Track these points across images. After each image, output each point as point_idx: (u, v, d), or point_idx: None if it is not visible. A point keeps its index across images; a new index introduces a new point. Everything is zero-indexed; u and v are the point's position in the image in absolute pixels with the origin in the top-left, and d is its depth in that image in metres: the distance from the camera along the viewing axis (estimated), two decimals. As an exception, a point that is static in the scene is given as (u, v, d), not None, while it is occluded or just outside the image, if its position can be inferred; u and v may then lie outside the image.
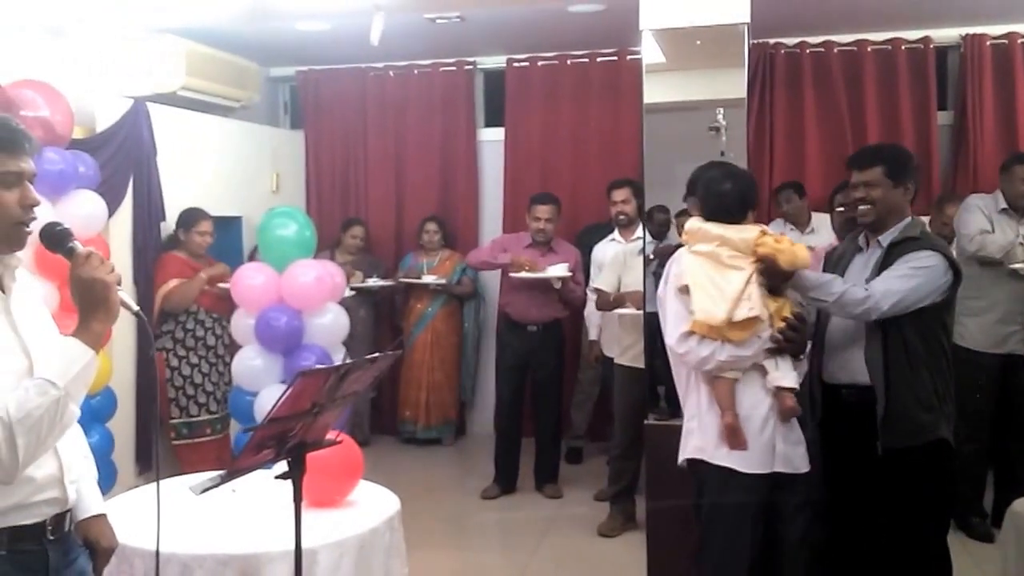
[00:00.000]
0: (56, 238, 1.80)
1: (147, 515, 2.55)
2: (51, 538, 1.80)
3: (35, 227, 1.82)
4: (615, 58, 6.28)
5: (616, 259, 4.67)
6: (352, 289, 5.40)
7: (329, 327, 4.59)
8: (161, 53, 5.35)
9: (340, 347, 4.68)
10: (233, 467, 2.08)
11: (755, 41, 5.12)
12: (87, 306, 1.73)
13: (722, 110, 3.66)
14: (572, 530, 4.70)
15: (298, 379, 1.97)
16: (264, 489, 3.04)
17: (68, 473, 1.84)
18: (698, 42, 3.54)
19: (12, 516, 1.73)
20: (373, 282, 6.02)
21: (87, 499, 1.96)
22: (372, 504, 2.96)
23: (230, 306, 4.88)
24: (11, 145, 1.74)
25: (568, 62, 6.40)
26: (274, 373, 4.52)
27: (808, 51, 5.94)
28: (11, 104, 4.09)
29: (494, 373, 5.49)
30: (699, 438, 2.79)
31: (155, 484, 2.02)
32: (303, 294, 4.48)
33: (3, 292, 1.80)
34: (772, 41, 5.94)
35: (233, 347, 4.90)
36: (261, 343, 4.51)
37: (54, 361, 1.69)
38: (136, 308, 1.81)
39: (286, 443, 2.11)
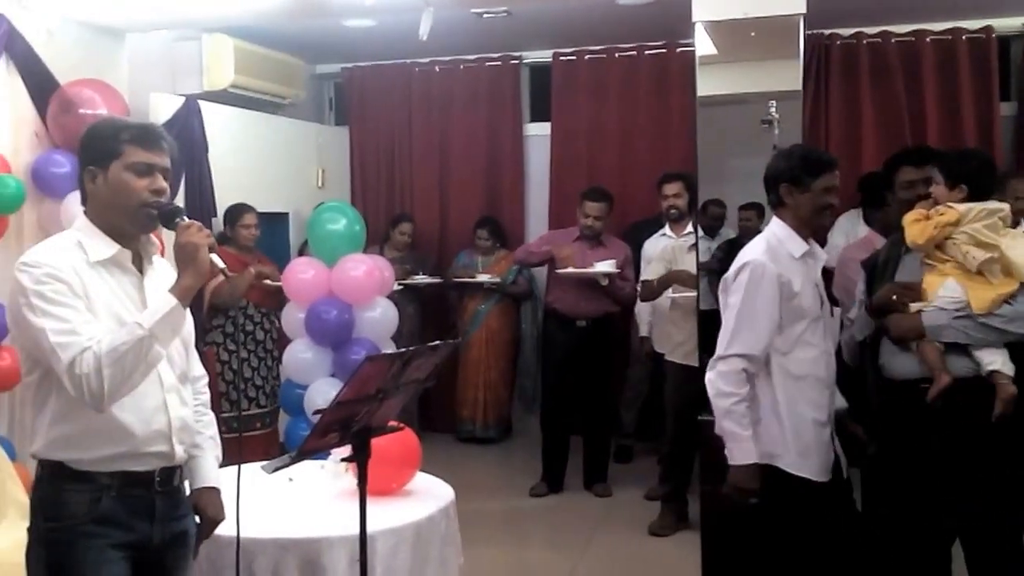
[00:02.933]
0: (169, 215, 2.08)
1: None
2: (159, 489, 2.07)
3: None
4: (664, 51, 6.34)
5: (665, 253, 4.74)
6: (399, 285, 5.54)
7: (379, 321, 4.74)
8: (211, 52, 5.59)
9: (390, 341, 4.84)
10: (301, 450, 2.21)
11: (809, 32, 5.14)
12: (180, 264, 2.02)
13: (775, 103, 3.71)
14: (622, 529, 4.76)
15: (365, 364, 2.11)
16: (319, 477, 3.20)
17: (177, 433, 2.09)
18: (752, 33, 3.61)
19: (124, 462, 2.01)
20: (420, 278, 6.17)
21: (204, 471, 2.23)
22: (428, 493, 3.09)
23: (279, 301, 5.06)
24: (148, 141, 2.07)
25: (616, 55, 6.48)
26: (324, 366, 4.69)
27: (865, 42, 5.95)
28: (71, 102, 4.31)
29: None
30: (769, 442, 2.78)
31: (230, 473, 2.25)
32: (353, 288, 4.64)
33: (140, 273, 2.10)
34: (827, 32, 5.97)
35: (282, 342, 5.07)
36: (311, 336, 4.67)
37: (147, 310, 2.00)
38: (222, 266, 2.06)
39: (351, 428, 2.24)
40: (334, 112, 7.50)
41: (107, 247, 2.04)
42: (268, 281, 5.10)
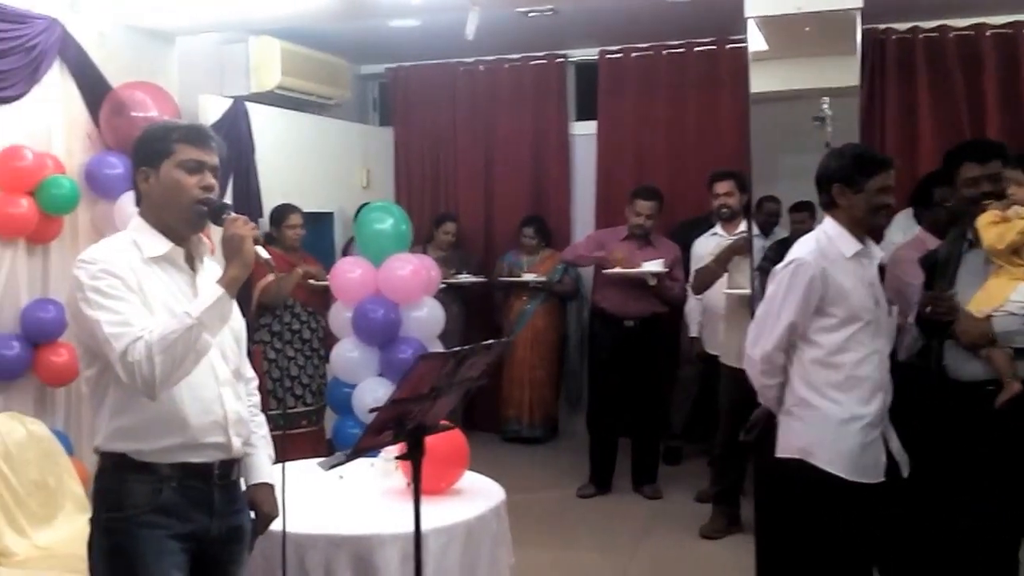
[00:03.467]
0: (216, 211, 2.15)
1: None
2: (217, 482, 2.14)
3: None
4: (714, 47, 6.32)
5: (716, 251, 4.73)
6: (443, 284, 5.58)
7: (425, 320, 4.79)
8: (259, 54, 5.70)
9: (436, 340, 4.88)
10: (356, 447, 2.25)
11: (864, 27, 5.09)
12: (227, 256, 2.09)
13: (827, 99, 3.69)
14: (672, 531, 4.76)
15: (419, 362, 2.14)
16: (369, 475, 3.25)
17: (233, 426, 2.15)
18: (807, 28, 3.58)
19: (183, 454, 2.08)
20: (464, 278, 6.21)
21: (259, 467, 2.31)
22: (478, 493, 3.13)
23: (325, 300, 5.14)
24: (199, 140, 2.14)
25: (664, 52, 6.47)
26: (371, 365, 4.74)
27: (921, 36, 5.86)
28: (123, 105, 4.41)
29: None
30: (805, 437, 2.79)
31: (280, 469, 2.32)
32: (400, 287, 4.69)
33: (192, 271, 2.18)
34: (882, 27, 5.89)
35: (328, 341, 5.14)
36: (358, 335, 4.73)
37: (196, 300, 2.07)
38: (267, 257, 2.14)
39: (405, 426, 2.27)
40: (378, 112, 7.58)
41: (161, 244, 2.12)
42: (314, 281, 5.17)
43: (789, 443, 2.86)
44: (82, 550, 2.15)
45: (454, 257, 6.43)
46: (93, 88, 4.43)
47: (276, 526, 2.66)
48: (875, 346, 2.81)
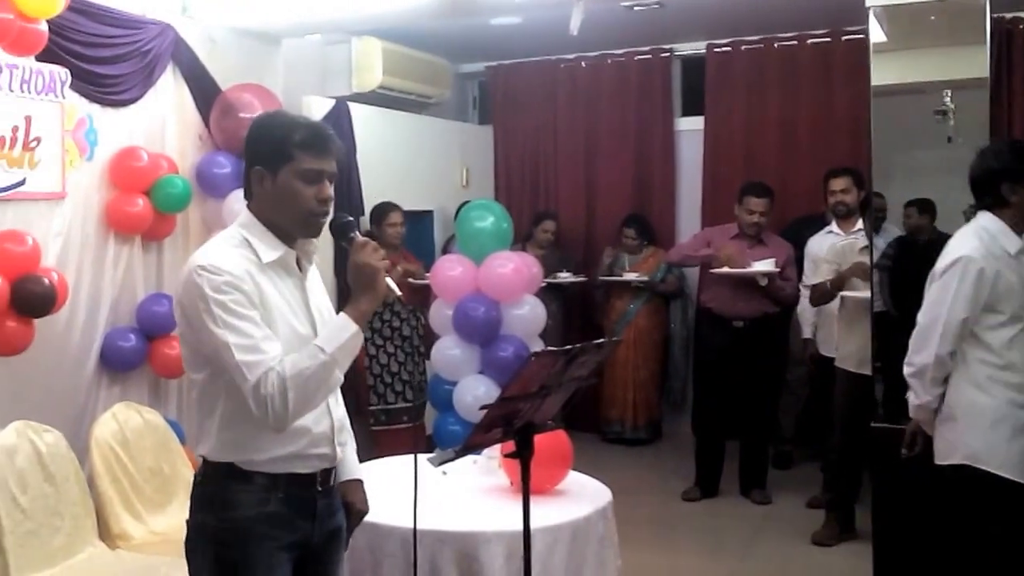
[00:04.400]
0: (341, 229, 2.13)
1: (368, 490, 2.87)
2: (319, 489, 2.13)
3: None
4: (828, 39, 6.21)
5: (834, 252, 4.64)
6: (543, 282, 5.62)
7: (527, 318, 4.82)
8: (361, 54, 5.85)
9: (537, 339, 4.91)
10: (465, 445, 2.29)
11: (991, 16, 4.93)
12: (358, 287, 2.04)
13: (949, 92, 3.59)
14: (783, 537, 4.70)
15: (530, 360, 2.17)
16: (472, 473, 3.30)
17: (338, 434, 2.17)
18: (932, 18, 3.49)
19: (291, 464, 2.07)
20: (564, 276, 6.23)
21: (348, 464, 2.29)
22: (583, 494, 3.14)
23: (424, 298, 5.23)
24: (320, 147, 2.06)
25: (775, 45, 6.38)
26: (472, 363, 4.81)
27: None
28: (232, 106, 4.58)
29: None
30: (968, 440, 2.76)
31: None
32: (501, 285, 4.74)
33: (301, 272, 2.16)
34: (1009, 16, 5.68)
35: (428, 338, 5.23)
36: (459, 333, 4.80)
37: (325, 332, 2.04)
38: (399, 293, 2.09)
39: (514, 424, 2.31)
40: (477, 111, 7.68)
41: (275, 248, 2.08)
42: (414, 279, 5.27)
43: (953, 449, 2.82)
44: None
45: (553, 255, 6.45)
46: (204, 91, 4.59)
47: (387, 520, 2.76)
48: None
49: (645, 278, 6.28)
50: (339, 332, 2.00)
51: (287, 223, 2.09)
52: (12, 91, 3.53)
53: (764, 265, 4.99)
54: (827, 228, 5.01)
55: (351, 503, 2.29)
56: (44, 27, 3.47)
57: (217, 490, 2.07)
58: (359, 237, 2.08)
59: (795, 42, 6.32)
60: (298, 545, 2.10)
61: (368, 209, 5.60)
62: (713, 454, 5.34)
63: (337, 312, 2.07)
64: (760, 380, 5.20)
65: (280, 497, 2.06)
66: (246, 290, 1.98)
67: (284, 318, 2.05)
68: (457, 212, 5.29)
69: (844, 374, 4.51)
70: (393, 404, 5.41)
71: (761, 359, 5.17)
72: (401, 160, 6.16)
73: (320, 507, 2.14)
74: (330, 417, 2.14)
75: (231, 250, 2.05)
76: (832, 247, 4.70)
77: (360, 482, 2.33)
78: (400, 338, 5.43)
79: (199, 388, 2.08)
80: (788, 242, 5.26)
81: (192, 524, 2.12)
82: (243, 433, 2.03)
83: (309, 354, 1.97)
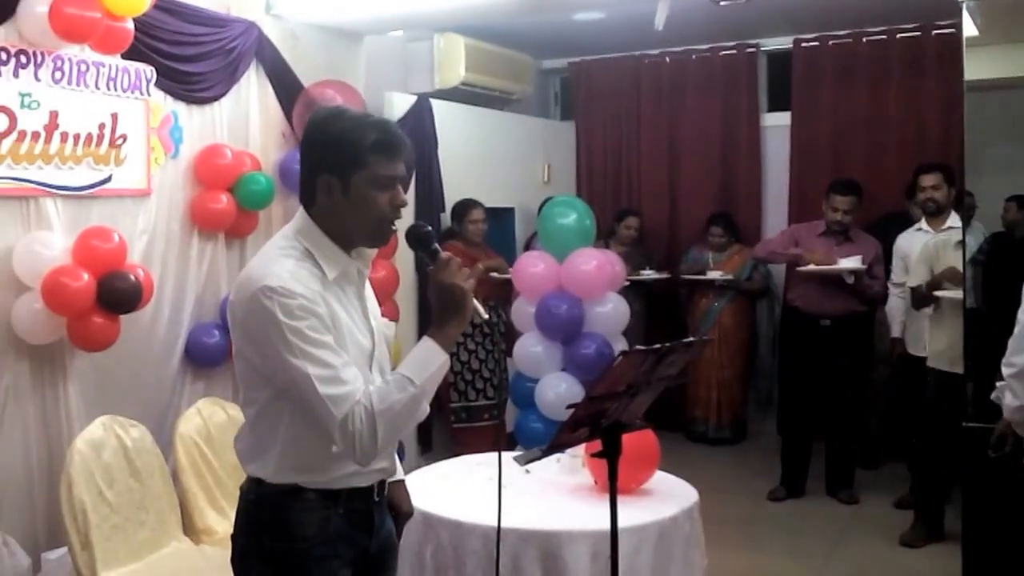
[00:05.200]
0: (421, 239, 1.99)
1: (450, 487, 2.88)
2: (376, 500, 2.08)
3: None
4: (918, 33, 6.06)
5: (926, 250, 4.53)
6: (626, 280, 5.59)
7: (609, 316, 4.80)
8: (443, 51, 5.89)
9: (620, 337, 4.88)
10: (552, 443, 2.28)
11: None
12: (444, 309, 1.92)
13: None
14: (870, 538, 4.64)
15: (619, 358, 2.15)
16: (555, 471, 3.29)
17: (394, 444, 2.10)
18: (1025, 12, 3.39)
19: (352, 479, 2.00)
20: (647, 274, 6.19)
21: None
22: (669, 494, 3.11)
23: (506, 294, 5.24)
24: (392, 150, 1.95)
25: (864, 40, 6.26)
26: (554, 360, 4.80)
27: None
28: (315, 103, 4.64)
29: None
30: None
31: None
32: (583, 282, 4.73)
33: (359, 279, 2.06)
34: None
35: (510, 335, 5.24)
36: (541, 330, 4.80)
37: (412, 359, 1.91)
38: (486, 316, 1.97)
39: (601, 423, 2.29)
40: (559, 107, 7.67)
41: (338, 261, 1.97)
42: (495, 274, 5.29)
43: None
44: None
45: (636, 253, 6.41)
46: (287, 88, 4.65)
47: (469, 517, 2.78)
48: None
49: (730, 276, 6.20)
50: (428, 362, 1.89)
51: (356, 232, 1.97)
52: (99, 89, 3.60)
53: (851, 262, 4.92)
54: (916, 225, 4.91)
55: (398, 505, 2.25)
56: (130, 25, 3.54)
57: (277, 512, 1.97)
58: (443, 253, 1.95)
59: (884, 36, 6.19)
60: (358, 559, 2.06)
61: (449, 206, 5.64)
62: (799, 453, 5.27)
63: (419, 335, 2.02)
64: (846, 379, 5.12)
65: (341, 513, 2.00)
66: (320, 313, 1.87)
67: (352, 336, 1.96)
68: (539, 209, 5.29)
69: (935, 373, 4.40)
70: (474, 401, 5.45)
71: (848, 358, 5.09)
72: (483, 157, 6.18)
73: (376, 519, 2.09)
74: None
75: (296, 266, 1.90)
76: (925, 246, 4.58)
77: (404, 483, 2.30)
78: (481, 335, 5.46)
79: (258, 407, 1.98)
80: (877, 239, 5.16)
81: (243, 544, 2.02)
82: (307, 455, 1.95)
83: (398, 386, 1.87)
